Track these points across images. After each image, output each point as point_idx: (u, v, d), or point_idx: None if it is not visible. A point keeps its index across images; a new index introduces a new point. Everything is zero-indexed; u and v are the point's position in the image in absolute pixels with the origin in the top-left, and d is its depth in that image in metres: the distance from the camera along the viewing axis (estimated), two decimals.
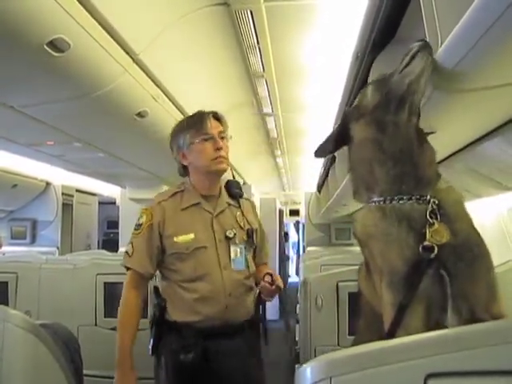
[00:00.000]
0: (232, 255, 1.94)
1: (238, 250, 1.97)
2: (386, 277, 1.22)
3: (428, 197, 1.21)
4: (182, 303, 1.92)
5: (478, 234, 1.22)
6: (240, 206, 2.06)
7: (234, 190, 2.08)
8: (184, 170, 2.05)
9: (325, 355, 0.78)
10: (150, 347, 1.94)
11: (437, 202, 1.20)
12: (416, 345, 0.75)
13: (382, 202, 1.25)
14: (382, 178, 1.26)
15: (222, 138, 1.98)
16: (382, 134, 1.25)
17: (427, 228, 1.17)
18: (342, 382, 0.73)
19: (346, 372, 0.73)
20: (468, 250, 1.17)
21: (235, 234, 1.97)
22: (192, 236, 1.92)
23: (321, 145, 1.47)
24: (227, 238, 1.96)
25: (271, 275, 1.93)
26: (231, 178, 2.18)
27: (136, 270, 1.94)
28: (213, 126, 1.96)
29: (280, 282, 1.93)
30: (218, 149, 1.94)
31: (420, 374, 0.71)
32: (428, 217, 1.18)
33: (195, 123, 1.96)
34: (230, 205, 2.05)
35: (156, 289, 2.02)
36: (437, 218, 1.18)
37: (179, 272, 1.93)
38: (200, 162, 1.96)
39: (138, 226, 1.96)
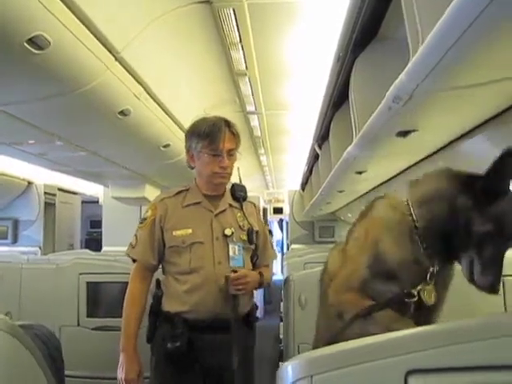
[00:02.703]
0: (231, 253, 2.03)
1: (236, 247, 2.05)
2: None
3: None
4: (174, 294, 2.02)
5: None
6: (242, 208, 2.14)
7: (238, 193, 2.17)
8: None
9: (306, 353, 0.78)
10: (146, 336, 2.05)
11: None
12: (396, 342, 0.76)
13: None
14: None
15: (231, 155, 2.07)
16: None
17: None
18: (323, 380, 0.73)
19: (327, 370, 0.73)
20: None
21: (233, 233, 2.06)
22: (190, 231, 2.02)
23: None
24: (225, 236, 2.04)
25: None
26: (237, 182, 2.30)
27: (139, 261, 2.07)
28: (226, 141, 2.03)
29: (242, 282, 1.97)
30: (223, 167, 2.03)
31: (401, 371, 0.72)
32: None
33: (210, 135, 2.02)
34: (231, 206, 2.14)
35: (158, 281, 2.12)
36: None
37: (176, 265, 2.03)
38: (203, 171, 2.08)
39: (143, 219, 2.09)
